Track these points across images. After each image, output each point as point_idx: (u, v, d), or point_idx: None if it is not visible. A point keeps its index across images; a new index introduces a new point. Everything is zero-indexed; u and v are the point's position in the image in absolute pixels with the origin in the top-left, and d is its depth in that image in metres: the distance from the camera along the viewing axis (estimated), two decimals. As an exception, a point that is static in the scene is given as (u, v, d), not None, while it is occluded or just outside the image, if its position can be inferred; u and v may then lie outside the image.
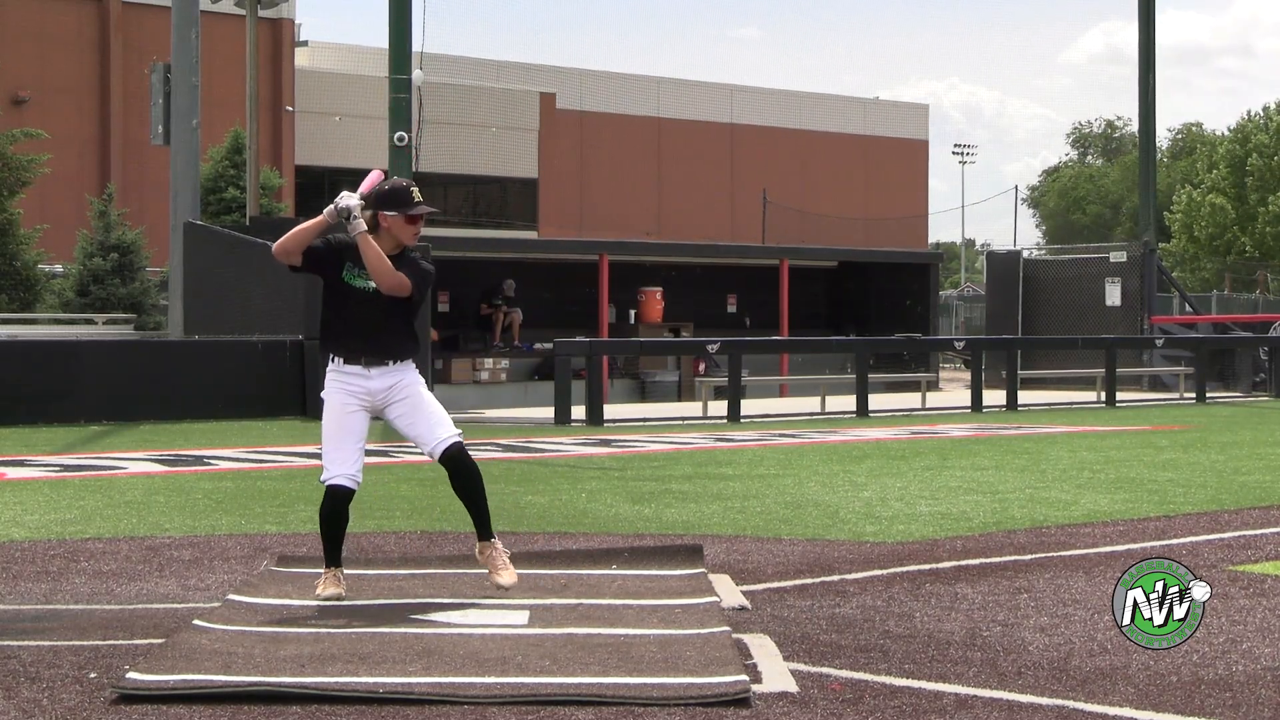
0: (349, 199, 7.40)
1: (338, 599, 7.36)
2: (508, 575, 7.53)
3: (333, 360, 7.54)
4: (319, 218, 7.49)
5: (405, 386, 7.51)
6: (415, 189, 7.53)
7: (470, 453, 7.60)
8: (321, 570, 7.59)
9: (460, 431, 7.60)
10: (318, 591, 7.43)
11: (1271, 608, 7.46)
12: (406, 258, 7.51)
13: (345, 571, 7.59)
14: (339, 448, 7.48)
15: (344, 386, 7.49)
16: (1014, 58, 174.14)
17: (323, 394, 7.57)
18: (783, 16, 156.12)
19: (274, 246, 7.58)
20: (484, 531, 7.60)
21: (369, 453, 16.07)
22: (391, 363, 7.50)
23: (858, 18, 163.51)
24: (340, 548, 7.56)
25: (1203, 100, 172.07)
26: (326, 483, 7.48)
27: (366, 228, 7.38)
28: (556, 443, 17.84)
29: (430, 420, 7.52)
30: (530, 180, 55.84)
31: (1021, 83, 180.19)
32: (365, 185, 7.59)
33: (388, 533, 9.93)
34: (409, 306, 7.51)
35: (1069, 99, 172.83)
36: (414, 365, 7.61)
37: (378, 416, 7.63)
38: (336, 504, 7.48)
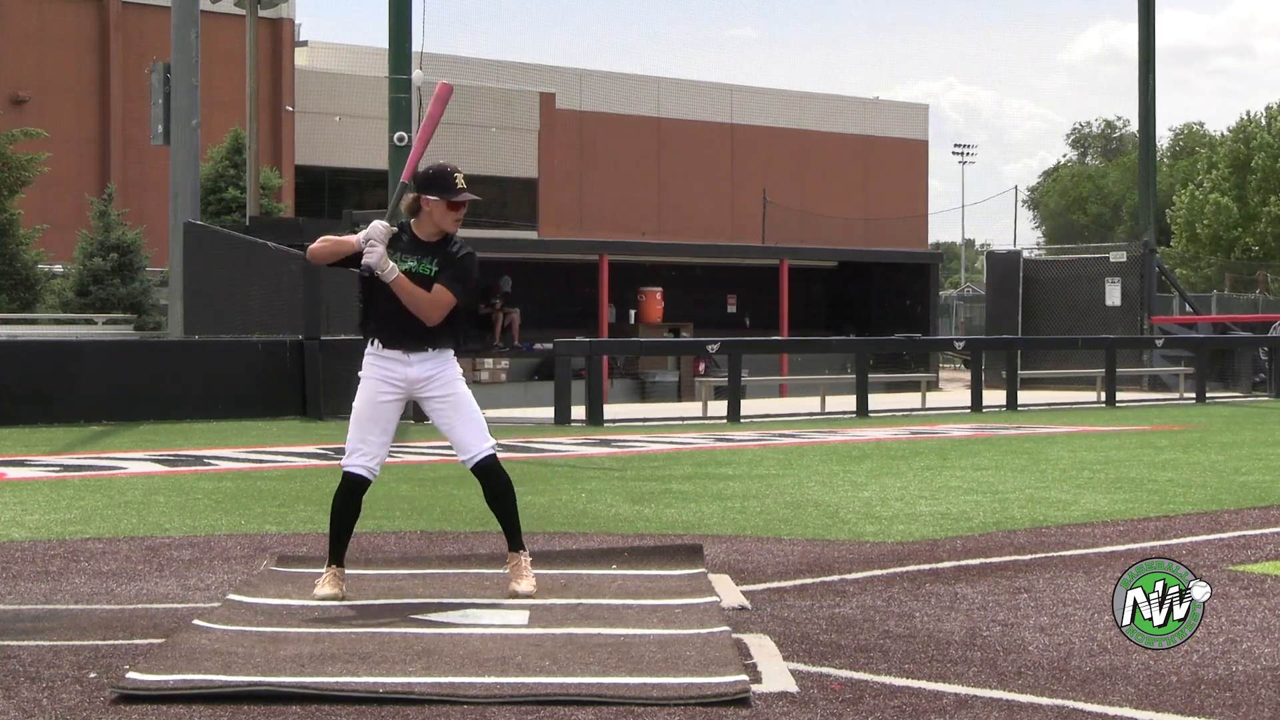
0: (373, 253, 7.15)
1: (335, 599, 7.32)
2: (526, 583, 7.47)
3: (372, 344, 7.40)
4: (353, 239, 7.30)
5: (446, 381, 7.40)
6: (460, 175, 7.33)
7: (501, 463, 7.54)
8: (319, 570, 7.56)
9: (495, 443, 7.54)
10: (315, 591, 7.39)
11: (1271, 608, 7.46)
12: (447, 250, 7.37)
13: (346, 571, 7.57)
14: (365, 435, 7.37)
15: (382, 372, 7.37)
16: (1011, 58, 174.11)
17: (359, 374, 7.44)
18: (777, 16, 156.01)
19: (308, 251, 7.47)
20: (514, 542, 7.54)
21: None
22: (431, 349, 7.37)
23: (852, 18, 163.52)
24: (345, 544, 7.48)
25: (1200, 100, 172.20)
26: (345, 469, 7.40)
27: (396, 274, 7.21)
28: (556, 443, 17.84)
29: (470, 426, 7.42)
30: (530, 180, 55.85)
31: (1019, 83, 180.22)
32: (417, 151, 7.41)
33: (388, 533, 9.92)
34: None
35: (1066, 100, 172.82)
36: (454, 358, 7.48)
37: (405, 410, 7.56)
38: (351, 492, 7.39)
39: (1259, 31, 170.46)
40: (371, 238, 7.20)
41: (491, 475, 7.47)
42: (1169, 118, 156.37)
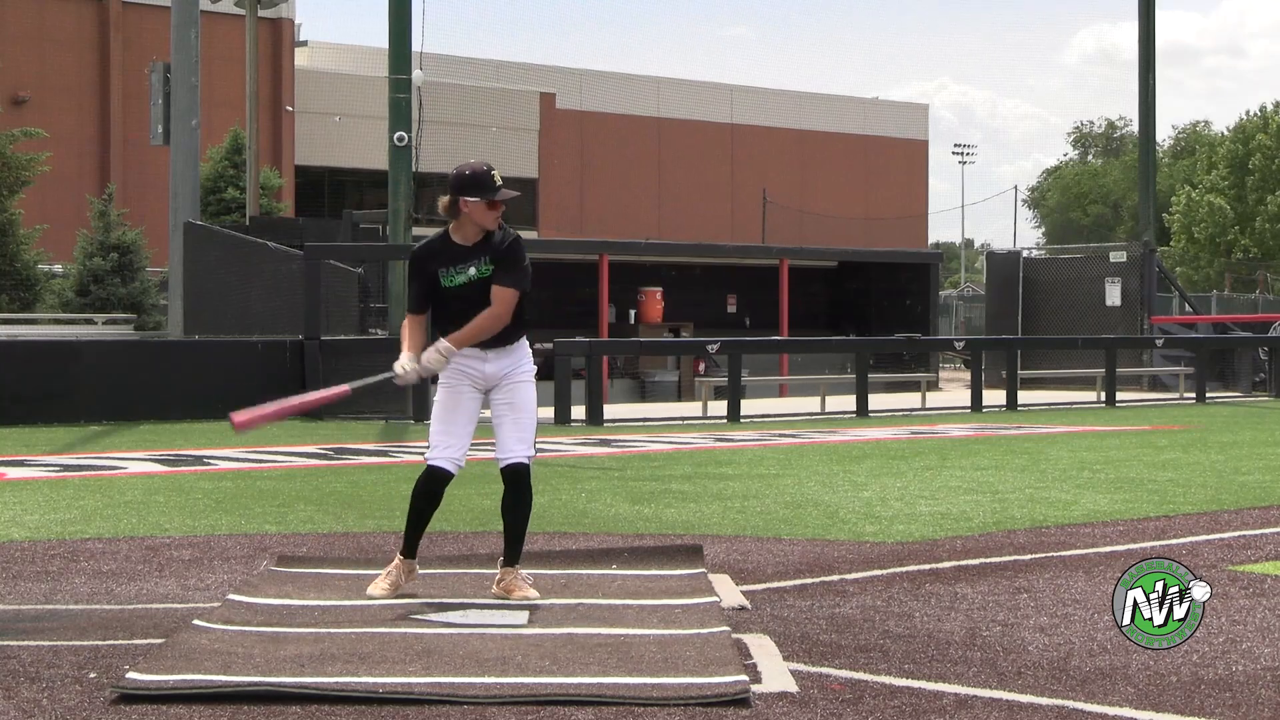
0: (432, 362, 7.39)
1: (389, 595, 7.35)
2: (528, 589, 7.42)
3: None
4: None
5: (518, 375, 7.51)
6: (496, 172, 7.36)
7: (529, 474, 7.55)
8: (319, 570, 7.56)
9: (534, 454, 7.59)
10: (380, 586, 7.39)
11: (1271, 608, 7.46)
12: (491, 245, 7.37)
13: (346, 572, 7.57)
14: (448, 428, 7.46)
15: (461, 371, 7.45)
16: (1005, 58, 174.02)
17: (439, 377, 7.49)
18: (770, 16, 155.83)
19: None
20: (511, 555, 7.50)
21: (368, 453, 16.07)
22: (506, 345, 7.48)
23: (844, 18, 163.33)
24: (420, 535, 7.52)
25: (1193, 102, 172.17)
26: (430, 463, 7.45)
27: (450, 354, 7.35)
28: (556, 443, 17.83)
29: (518, 428, 7.51)
30: (530, 180, 55.86)
31: (1013, 83, 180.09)
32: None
33: (388, 533, 9.91)
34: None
35: (1061, 100, 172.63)
36: (528, 349, 7.58)
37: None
38: (433, 485, 7.45)
39: (1248, 33, 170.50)
40: (430, 362, 7.39)
41: (516, 483, 7.50)
42: (1163, 119, 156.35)
